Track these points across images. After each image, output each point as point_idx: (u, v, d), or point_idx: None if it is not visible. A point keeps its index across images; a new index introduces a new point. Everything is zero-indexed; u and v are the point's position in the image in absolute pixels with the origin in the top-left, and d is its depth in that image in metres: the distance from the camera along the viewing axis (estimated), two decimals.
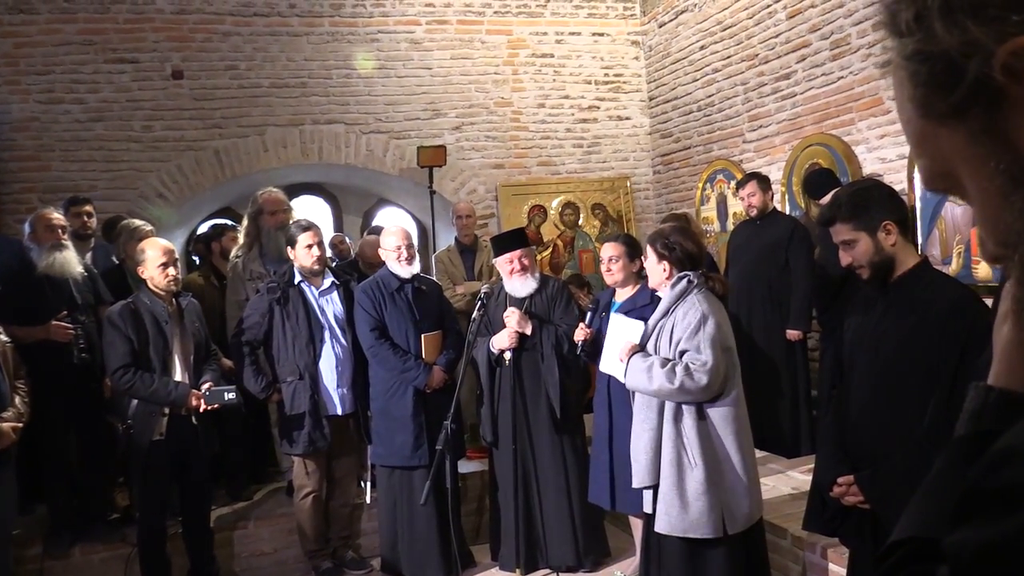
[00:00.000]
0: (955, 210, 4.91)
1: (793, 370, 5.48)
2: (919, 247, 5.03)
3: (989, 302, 4.18)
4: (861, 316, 2.71)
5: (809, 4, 6.08)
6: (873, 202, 2.51)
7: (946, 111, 0.56)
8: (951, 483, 0.56)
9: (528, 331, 4.38)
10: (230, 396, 4.27)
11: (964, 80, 0.53)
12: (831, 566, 3.68)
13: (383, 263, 4.70)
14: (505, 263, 4.46)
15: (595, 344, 4.08)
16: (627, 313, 4.04)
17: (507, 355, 4.43)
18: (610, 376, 3.97)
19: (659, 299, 3.67)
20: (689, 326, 3.28)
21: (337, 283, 4.76)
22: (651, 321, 3.47)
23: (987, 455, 0.52)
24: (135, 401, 4.26)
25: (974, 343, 2.29)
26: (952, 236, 4.93)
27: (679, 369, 3.22)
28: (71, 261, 4.68)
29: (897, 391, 2.45)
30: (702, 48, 7.41)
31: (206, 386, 4.29)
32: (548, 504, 4.52)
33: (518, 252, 4.45)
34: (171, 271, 4.30)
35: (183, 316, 4.42)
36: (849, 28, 5.73)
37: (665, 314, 3.41)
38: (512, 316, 4.36)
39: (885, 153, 5.50)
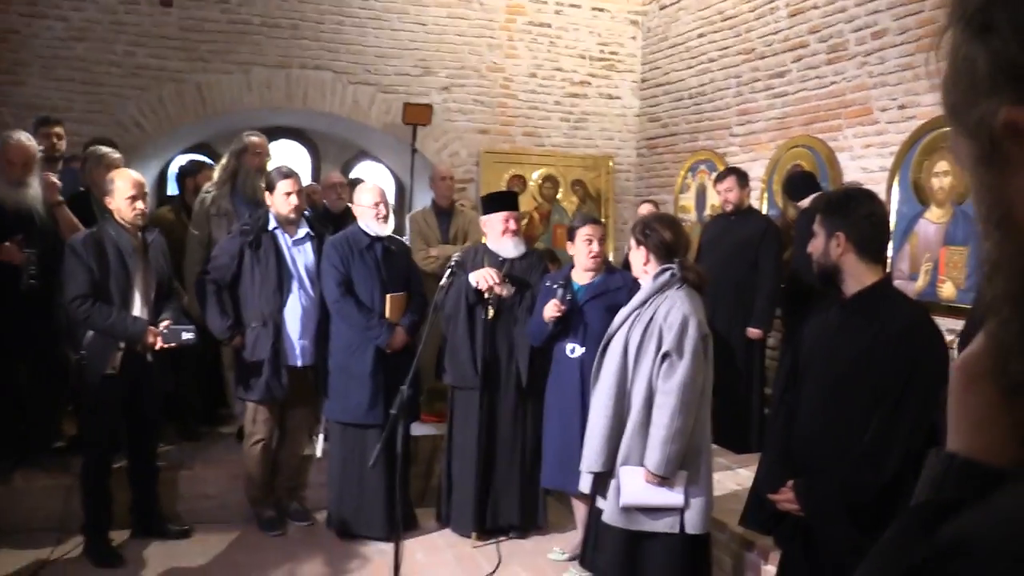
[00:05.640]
0: (928, 227, 4.96)
1: (750, 368, 5.54)
2: (889, 261, 5.08)
3: (950, 321, 4.24)
4: (820, 324, 2.75)
5: (811, 5, 6.06)
6: (841, 210, 2.58)
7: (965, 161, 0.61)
8: (902, 554, 0.56)
9: (504, 293, 4.36)
10: (188, 336, 4.23)
11: (981, 140, 0.58)
12: (765, 566, 3.75)
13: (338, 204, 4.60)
14: (500, 221, 4.48)
15: (564, 320, 4.08)
16: (599, 296, 4.03)
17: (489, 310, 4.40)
18: (582, 359, 3.98)
19: (628, 283, 3.71)
20: (672, 327, 3.27)
21: (312, 234, 4.71)
22: (626, 309, 3.46)
23: (939, 537, 0.52)
24: (91, 332, 4.20)
25: (923, 367, 2.34)
26: (922, 253, 4.99)
27: (657, 412, 3.26)
28: (27, 198, 4.52)
29: (845, 405, 2.50)
30: (700, 36, 7.37)
31: (164, 323, 4.23)
32: (502, 470, 4.57)
33: (512, 213, 4.48)
34: (139, 204, 4.22)
35: (148, 251, 4.35)
36: (848, 34, 5.72)
37: (642, 304, 3.41)
38: (492, 274, 4.33)
39: (868, 163, 5.53)
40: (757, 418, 5.48)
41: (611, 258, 7.39)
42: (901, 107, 5.29)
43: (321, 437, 4.99)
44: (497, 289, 4.30)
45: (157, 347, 4.21)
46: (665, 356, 3.28)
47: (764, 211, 6.25)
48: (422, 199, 7.40)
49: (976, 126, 0.58)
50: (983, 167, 0.59)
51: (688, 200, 7.41)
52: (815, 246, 2.63)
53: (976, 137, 0.59)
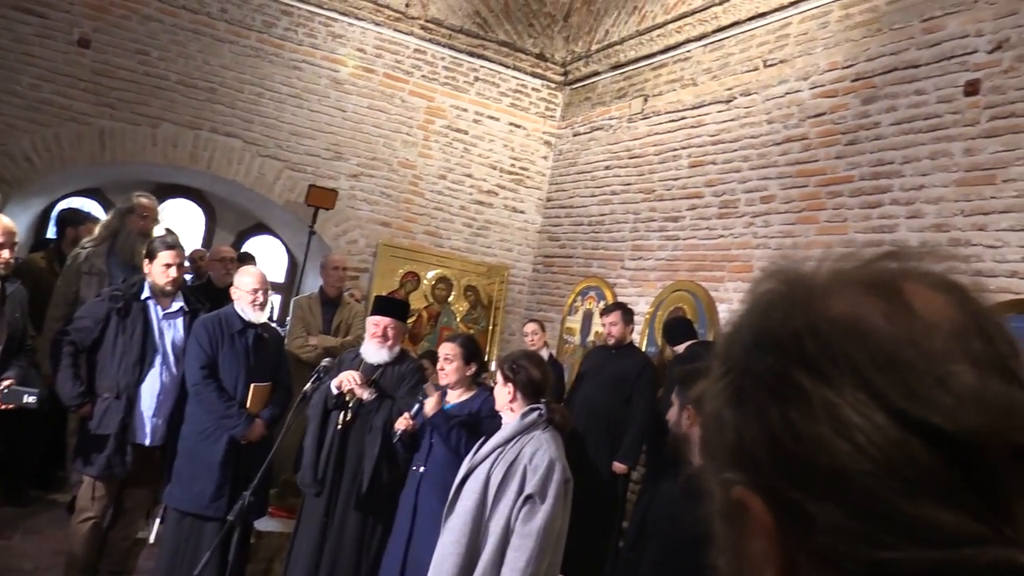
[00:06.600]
0: None
1: (611, 501, 5.58)
2: None
3: None
4: (668, 491, 2.80)
5: (711, 160, 6.41)
6: (693, 384, 2.67)
7: None
8: None
9: (365, 397, 4.27)
10: (29, 399, 3.98)
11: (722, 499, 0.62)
12: None
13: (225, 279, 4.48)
14: (372, 324, 4.40)
15: (413, 437, 4.02)
16: (455, 418, 4.00)
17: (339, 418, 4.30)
18: (422, 476, 3.93)
19: (489, 408, 3.72)
20: (538, 469, 3.24)
21: (186, 309, 4.55)
22: (490, 444, 3.42)
23: None
24: None
25: None
26: None
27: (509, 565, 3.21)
28: None
29: None
30: (607, 168, 7.66)
31: (6, 383, 3.99)
32: None
33: (390, 321, 4.39)
34: (4, 254, 4.03)
35: (4, 303, 4.12)
36: (740, 194, 6.05)
37: (507, 442, 3.39)
38: (355, 376, 4.25)
39: None
40: (612, 552, 5.50)
41: (493, 367, 7.43)
42: None
43: (157, 521, 4.71)
44: (358, 391, 4.22)
45: None
46: (528, 498, 3.25)
47: (644, 347, 6.43)
48: (313, 281, 7.32)
49: (719, 486, 0.61)
50: (724, 523, 0.62)
51: (575, 323, 7.56)
52: (671, 415, 2.71)
53: (718, 492, 0.62)
